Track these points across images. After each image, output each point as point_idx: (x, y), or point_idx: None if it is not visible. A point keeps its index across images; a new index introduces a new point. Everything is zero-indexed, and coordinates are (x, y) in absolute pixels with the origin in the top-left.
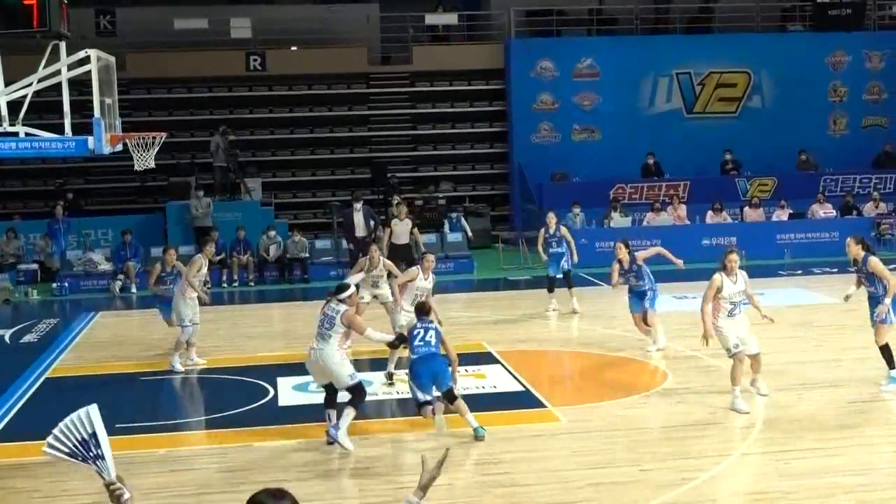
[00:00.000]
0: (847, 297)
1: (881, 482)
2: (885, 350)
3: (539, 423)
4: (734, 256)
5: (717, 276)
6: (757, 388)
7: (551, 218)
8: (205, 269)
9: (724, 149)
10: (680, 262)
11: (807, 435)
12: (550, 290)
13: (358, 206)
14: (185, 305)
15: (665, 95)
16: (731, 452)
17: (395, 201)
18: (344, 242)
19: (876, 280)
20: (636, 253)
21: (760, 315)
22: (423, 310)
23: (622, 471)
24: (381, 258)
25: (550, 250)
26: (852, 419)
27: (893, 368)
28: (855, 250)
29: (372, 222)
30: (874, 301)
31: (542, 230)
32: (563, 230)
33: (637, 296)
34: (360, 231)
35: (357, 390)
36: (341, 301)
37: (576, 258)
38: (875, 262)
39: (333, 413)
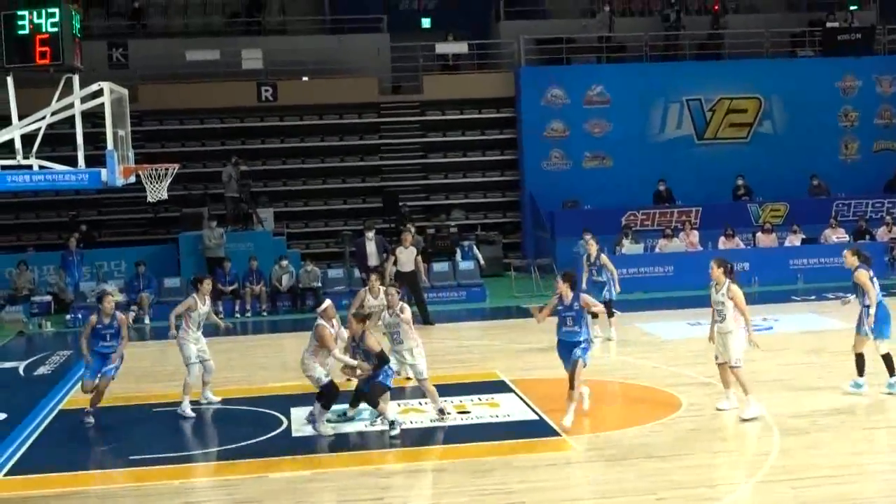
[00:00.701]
0: (845, 302)
1: None
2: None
3: (553, 452)
4: (712, 264)
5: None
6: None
7: (591, 244)
8: (203, 308)
9: (735, 174)
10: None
11: (822, 462)
12: (594, 317)
13: (370, 234)
14: (187, 344)
15: (676, 122)
16: (747, 480)
17: (403, 229)
18: (356, 271)
19: (860, 292)
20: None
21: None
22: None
23: (637, 499)
24: (381, 288)
25: (592, 279)
26: (868, 446)
27: (863, 376)
28: (851, 261)
29: (385, 251)
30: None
31: (585, 258)
32: (604, 258)
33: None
34: (373, 260)
35: (327, 388)
36: (318, 315)
37: (618, 288)
38: (860, 275)
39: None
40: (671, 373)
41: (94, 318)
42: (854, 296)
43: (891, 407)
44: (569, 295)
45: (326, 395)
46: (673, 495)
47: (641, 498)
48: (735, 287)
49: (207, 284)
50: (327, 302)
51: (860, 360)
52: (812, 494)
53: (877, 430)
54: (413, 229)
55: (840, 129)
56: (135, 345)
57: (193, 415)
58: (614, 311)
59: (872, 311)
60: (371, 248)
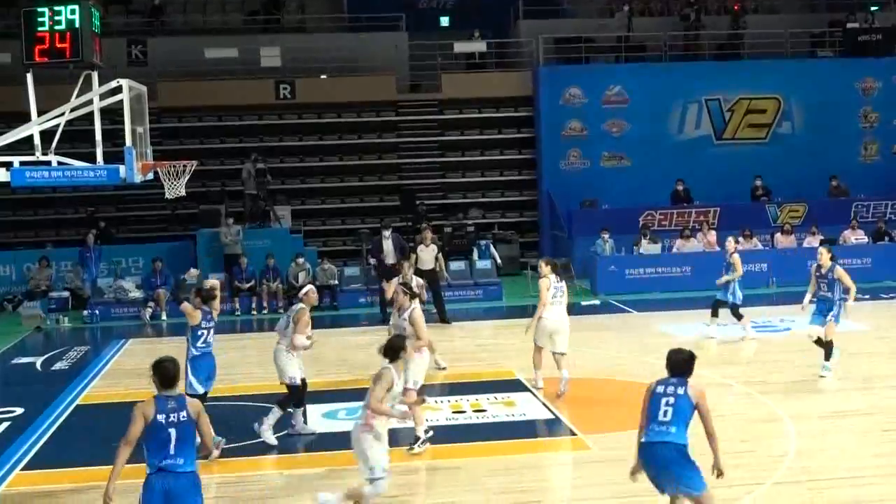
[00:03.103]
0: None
1: None
2: (829, 344)
3: (569, 451)
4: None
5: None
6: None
7: (730, 243)
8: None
9: (754, 175)
10: None
11: (840, 464)
12: (714, 314)
13: (387, 233)
14: (292, 361)
15: (694, 122)
16: (764, 481)
17: (423, 227)
18: (373, 270)
19: (836, 286)
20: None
21: None
22: None
23: (652, 500)
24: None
25: (820, 293)
26: (887, 448)
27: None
28: (825, 259)
29: (401, 250)
30: (825, 304)
31: (815, 267)
32: (734, 258)
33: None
34: (390, 258)
35: (295, 389)
36: (299, 300)
37: (739, 294)
38: (840, 271)
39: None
40: None
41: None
42: (810, 294)
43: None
44: (826, 264)
45: (294, 395)
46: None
47: (657, 498)
48: (839, 268)
49: (313, 293)
50: (309, 286)
51: (830, 346)
52: (830, 496)
53: None
54: (424, 226)
55: (860, 130)
56: (152, 341)
57: (276, 442)
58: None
59: (851, 301)
60: (388, 246)
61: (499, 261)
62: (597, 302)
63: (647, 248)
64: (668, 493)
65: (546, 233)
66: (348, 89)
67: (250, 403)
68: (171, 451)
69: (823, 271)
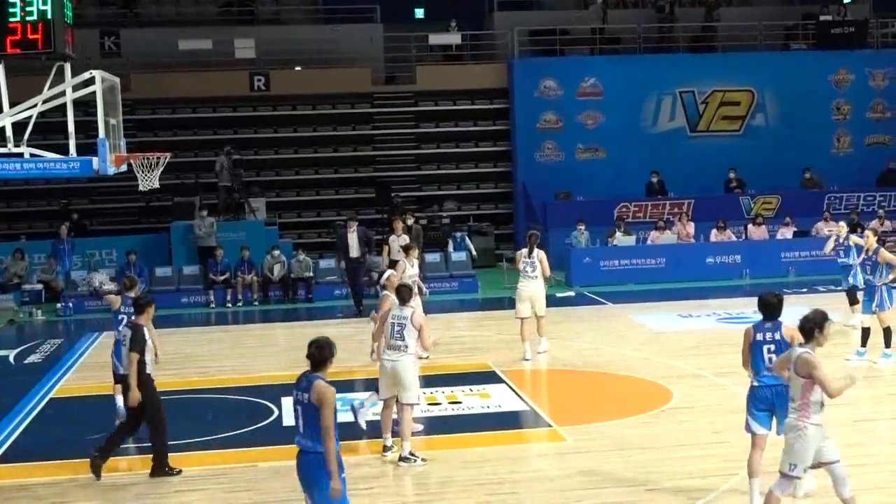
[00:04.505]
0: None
1: (892, 502)
2: (887, 331)
3: (544, 443)
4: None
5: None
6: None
7: (869, 238)
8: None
9: (728, 167)
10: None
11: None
12: (852, 303)
13: (352, 226)
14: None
15: (669, 114)
16: (738, 471)
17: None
18: (338, 263)
19: (879, 269)
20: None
21: None
22: None
23: (628, 490)
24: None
25: (839, 261)
26: (859, 437)
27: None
28: (871, 241)
29: (367, 243)
30: (871, 290)
31: (863, 250)
32: (853, 238)
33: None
34: (354, 252)
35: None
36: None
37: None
38: (886, 254)
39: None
40: (662, 365)
41: None
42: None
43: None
44: (872, 246)
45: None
46: (664, 487)
47: (632, 489)
48: (884, 250)
49: (395, 277)
50: (390, 271)
51: (889, 333)
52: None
53: (869, 421)
54: (411, 220)
55: (833, 122)
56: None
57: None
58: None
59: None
60: (353, 239)
61: (474, 253)
62: (572, 294)
63: (622, 240)
64: (779, 430)
65: (521, 225)
66: (323, 81)
67: (226, 397)
68: (301, 430)
69: (869, 253)
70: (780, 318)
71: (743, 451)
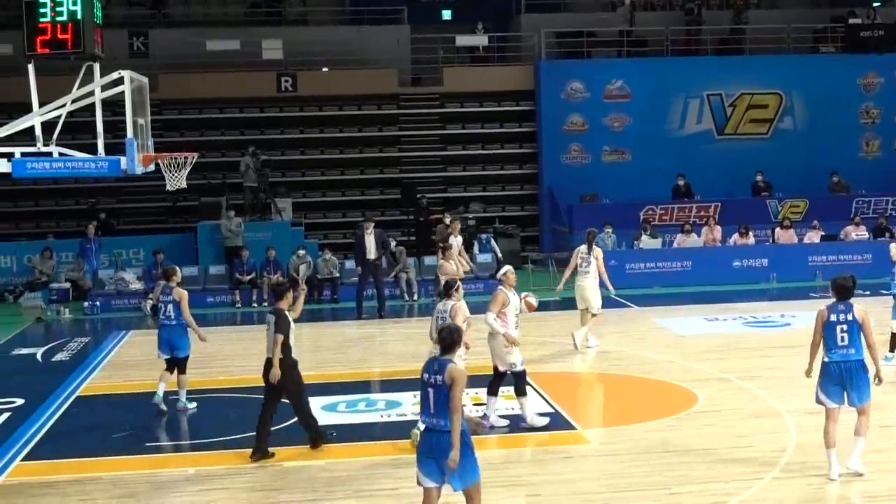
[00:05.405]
0: None
1: None
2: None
3: (568, 446)
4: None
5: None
6: None
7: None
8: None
9: (755, 170)
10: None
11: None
12: None
13: (369, 228)
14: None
15: (696, 117)
16: (763, 476)
17: (448, 219)
18: (356, 264)
19: None
20: None
21: None
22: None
23: (651, 494)
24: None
25: None
26: (887, 442)
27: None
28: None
29: (383, 245)
30: None
31: None
32: None
33: None
34: (372, 254)
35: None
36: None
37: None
38: None
39: (494, 400)
40: (687, 368)
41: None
42: None
43: None
44: None
45: (523, 380)
46: (687, 490)
47: (655, 492)
48: None
49: (512, 273)
50: (508, 266)
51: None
52: (831, 491)
53: None
54: (450, 218)
55: (861, 126)
56: (152, 333)
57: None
58: None
59: None
60: (370, 241)
61: (499, 255)
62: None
63: (648, 242)
64: (850, 402)
65: (547, 227)
66: (350, 82)
67: (251, 396)
68: (432, 411)
69: None
70: (850, 301)
71: (768, 456)
